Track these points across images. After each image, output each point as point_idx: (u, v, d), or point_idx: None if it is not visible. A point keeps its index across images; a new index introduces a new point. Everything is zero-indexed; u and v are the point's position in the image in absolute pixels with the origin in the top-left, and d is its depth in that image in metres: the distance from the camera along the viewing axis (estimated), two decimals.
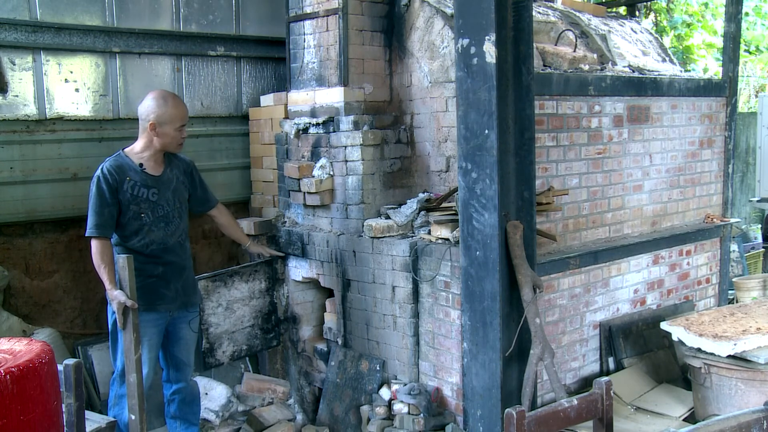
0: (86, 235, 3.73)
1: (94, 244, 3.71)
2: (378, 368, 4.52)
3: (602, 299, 4.70)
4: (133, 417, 3.57)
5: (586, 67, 4.76)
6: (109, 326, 3.83)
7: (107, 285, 3.64)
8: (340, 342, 4.83)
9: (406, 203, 4.63)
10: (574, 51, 4.84)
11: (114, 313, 3.65)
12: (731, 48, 5.66)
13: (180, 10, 5.34)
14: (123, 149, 3.91)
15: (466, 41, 3.68)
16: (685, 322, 4.24)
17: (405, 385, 4.33)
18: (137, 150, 3.88)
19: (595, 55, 5.01)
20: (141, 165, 3.83)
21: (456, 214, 4.07)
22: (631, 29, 5.99)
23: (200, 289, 4.52)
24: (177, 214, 3.95)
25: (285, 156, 5.12)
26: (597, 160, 4.67)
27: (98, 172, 3.78)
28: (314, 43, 4.88)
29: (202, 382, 4.79)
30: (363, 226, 4.58)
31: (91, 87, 4.97)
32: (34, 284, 4.90)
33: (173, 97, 3.96)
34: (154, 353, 3.96)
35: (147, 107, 3.86)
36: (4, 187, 4.65)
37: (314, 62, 4.90)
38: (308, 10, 4.89)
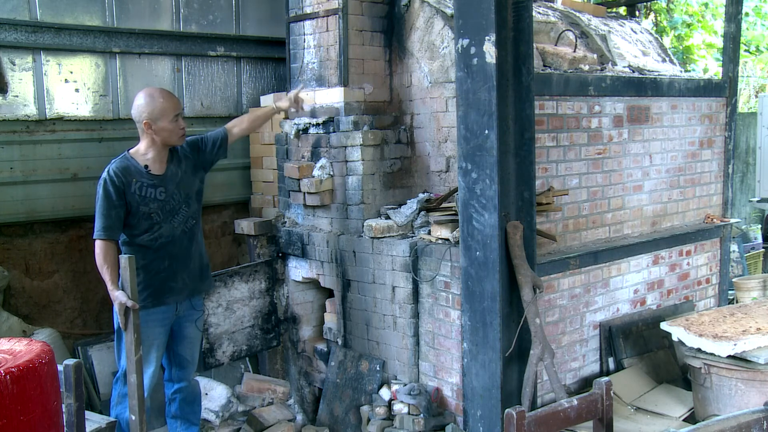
0: (94, 237, 3.72)
1: (99, 246, 3.69)
2: (378, 368, 4.52)
3: (602, 299, 4.70)
4: (133, 417, 3.57)
5: (586, 68, 4.76)
6: (114, 325, 3.84)
7: (109, 285, 3.64)
8: (340, 342, 4.83)
9: (406, 203, 4.63)
10: (574, 51, 4.84)
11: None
12: (731, 48, 5.67)
13: (180, 10, 5.34)
14: (128, 150, 3.89)
15: (466, 41, 3.68)
16: (685, 323, 4.24)
17: (405, 385, 4.33)
18: (141, 151, 3.87)
19: (595, 56, 5.01)
20: (146, 167, 3.83)
21: (456, 215, 4.07)
22: (631, 29, 5.99)
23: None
24: (184, 204, 3.95)
25: (285, 156, 5.12)
26: (597, 161, 4.67)
27: (105, 174, 3.76)
28: (314, 43, 4.89)
29: (202, 382, 4.79)
30: (363, 226, 4.58)
31: (91, 87, 4.97)
32: (34, 284, 4.89)
33: (160, 91, 3.91)
34: (161, 352, 3.97)
35: (138, 108, 3.84)
36: (4, 187, 4.65)
37: (314, 62, 4.90)
38: (308, 10, 4.89)
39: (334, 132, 4.71)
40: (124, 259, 3.54)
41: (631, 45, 5.65)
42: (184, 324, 4.05)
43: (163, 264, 3.88)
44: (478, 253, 3.76)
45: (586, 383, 4.56)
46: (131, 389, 3.57)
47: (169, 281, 3.91)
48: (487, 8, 3.55)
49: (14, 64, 4.67)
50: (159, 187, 3.85)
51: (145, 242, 3.83)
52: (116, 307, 3.60)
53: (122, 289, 3.57)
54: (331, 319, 4.95)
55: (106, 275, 3.66)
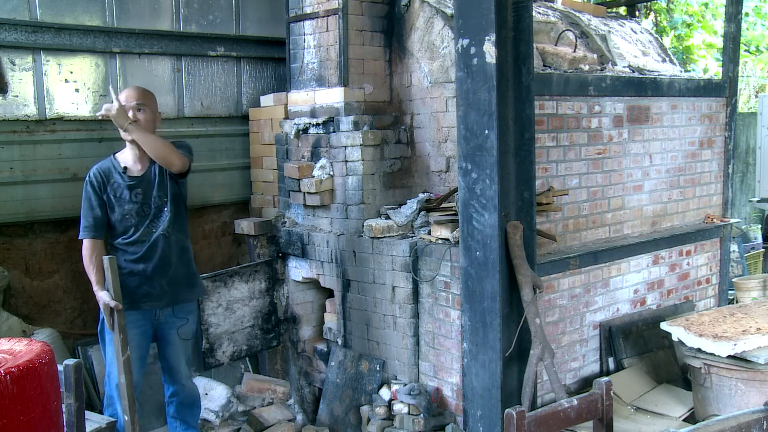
0: (79, 237, 3.80)
1: (84, 246, 3.78)
2: (378, 368, 4.51)
3: (602, 299, 4.70)
4: (126, 417, 3.58)
5: (586, 68, 4.76)
6: (98, 327, 3.87)
7: (94, 286, 3.68)
8: (340, 342, 4.83)
9: (406, 203, 4.63)
10: (574, 51, 4.84)
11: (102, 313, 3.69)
12: (731, 48, 5.66)
13: (180, 10, 5.33)
14: (114, 153, 3.95)
15: (466, 41, 3.68)
16: (685, 323, 4.24)
17: (405, 385, 4.33)
18: (125, 152, 3.92)
19: (595, 56, 5.01)
20: (125, 168, 3.85)
21: (456, 215, 4.07)
22: (631, 29, 5.99)
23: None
24: (165, 208, 3.90)
25: (285, 156, 5.12)
26: (597, 161, 4.66)
27: (87, 175, 3.85)
28: (314, 43, 4.88)
29: (202, 382, 4.79)
30: (363, 226, 4.58)
31: (91, 87, 4.97)
32: (34, 284, 4.89)
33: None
34: (136, 354, 3.87)
35: None
36: (4, 187, 4.65)
37: (314, 62, 4.90)
38: (308, 10, 4.89)
39: (334, 132, 4.71)
40: (105, 259, 3.59)
41: (631, 45, 5.65)
42: (166, 330, 4.00)
43: (137, 268, 3.84)
44: (478, 253, 3.75)
45: (586, 383, 4.56)
46: (121, 389, 3.58)
47: (145, 286, 3.85)
48: (487, 8, 3.55)
49: (14, 64, 4.67)
50: (135, 189, 3.84)
51: (121, 245, 3.84)
52: (101, 308, 3.63)
53: (106, 290, 3.60)
54: (331, 319, 4.95)
55: (91, 275, 3.72)
